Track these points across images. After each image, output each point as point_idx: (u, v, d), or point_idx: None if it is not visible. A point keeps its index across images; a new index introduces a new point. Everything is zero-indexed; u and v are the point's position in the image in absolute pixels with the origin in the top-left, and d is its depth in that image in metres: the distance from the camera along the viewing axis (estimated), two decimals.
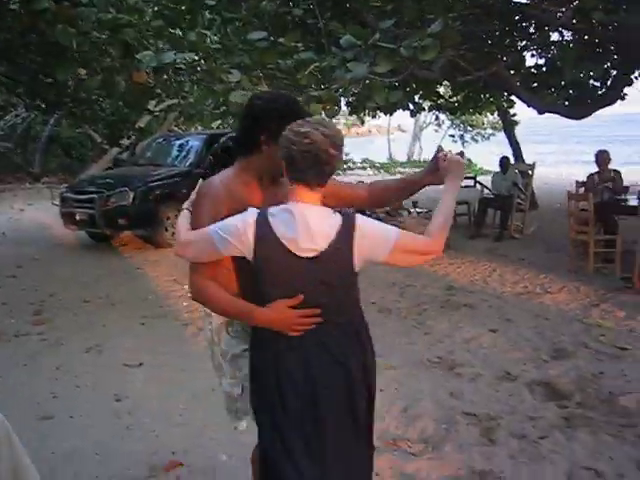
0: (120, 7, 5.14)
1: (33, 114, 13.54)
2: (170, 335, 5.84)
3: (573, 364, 4.89)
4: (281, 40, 5.24)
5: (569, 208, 8.25)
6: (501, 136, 19.70)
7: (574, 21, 6.95)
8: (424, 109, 16.07)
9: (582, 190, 8.59)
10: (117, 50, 5.04)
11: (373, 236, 2.18)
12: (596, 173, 8.60)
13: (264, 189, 2.40)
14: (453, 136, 29.08)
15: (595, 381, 4.55)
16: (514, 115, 15.20)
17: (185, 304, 6.62)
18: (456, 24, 4.80)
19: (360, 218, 2.19)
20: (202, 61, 5.46)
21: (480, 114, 20.61)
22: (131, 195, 9.45)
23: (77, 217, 9.96)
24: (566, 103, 10.48)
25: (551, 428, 3.87)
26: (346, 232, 2.14)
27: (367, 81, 4.91)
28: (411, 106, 14.11)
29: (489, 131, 28.09)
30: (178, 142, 11.96)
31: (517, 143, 15.01)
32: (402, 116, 14.68)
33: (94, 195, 9.71)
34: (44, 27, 4.85)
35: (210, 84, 5.34)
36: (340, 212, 2.18)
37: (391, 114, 12.32)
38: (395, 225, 2.36)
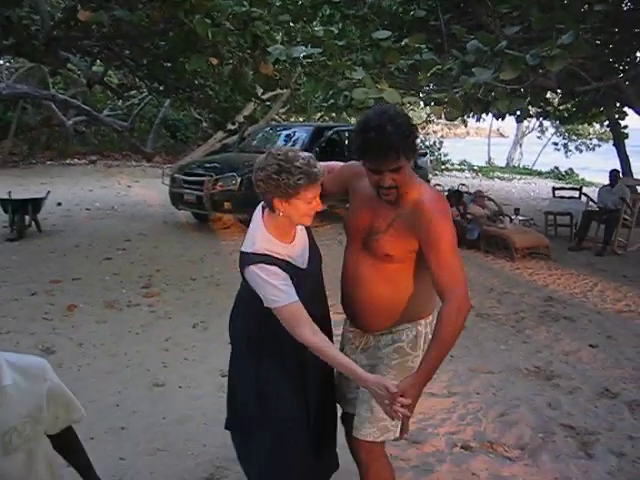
0: (252, 1, 5.35)
1: (152, 96, 14.06)
2: None
3: None
4: (405, 40, 5.31)
5: None
6: (606, 147, 19.00)
7: None
8: (531, 115, 15.75)
9: None
10: (247, 42, 5.27)
11: None
12: None
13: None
14: (556, 144, 28.22)
15: None
16: (625, 127, 14.65)
17: None
18: (587, 35, 4.74)
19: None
20: (324, 57, 5.58)
21: (590, 124, 19.88)
22: (238, 180, 9.70)
23: (185, 197, 10.36)
24: None
25: None
26: None
27: (487, 87, 4.93)
28: (518, 112, 13.86)
29: (594, 141, 27.10)
30: (285, 132, 12.21)
31: (627, 156, 14.49)
32: (504, 120, 14.42)
33: (203, 178, 10.07)
34: (182, 17, 5.13)
35: (331, 79, 5.47)
36: None
37: (502, 119, 12.12)
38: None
